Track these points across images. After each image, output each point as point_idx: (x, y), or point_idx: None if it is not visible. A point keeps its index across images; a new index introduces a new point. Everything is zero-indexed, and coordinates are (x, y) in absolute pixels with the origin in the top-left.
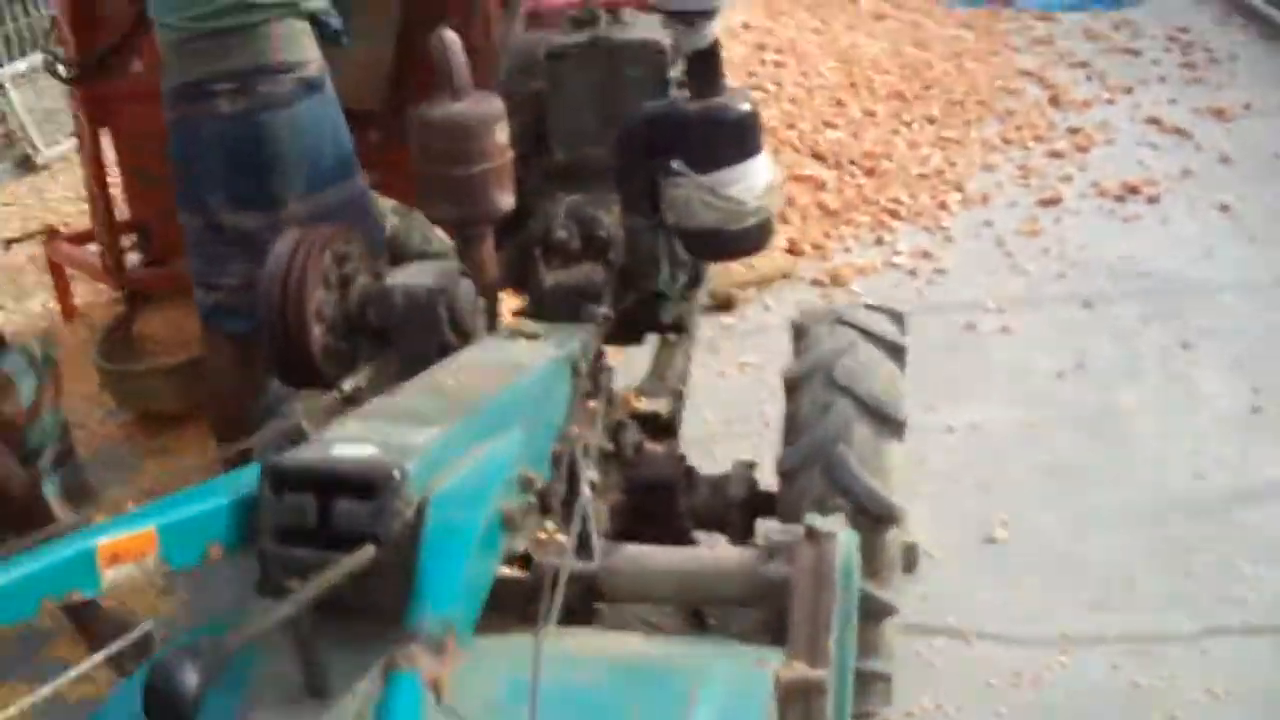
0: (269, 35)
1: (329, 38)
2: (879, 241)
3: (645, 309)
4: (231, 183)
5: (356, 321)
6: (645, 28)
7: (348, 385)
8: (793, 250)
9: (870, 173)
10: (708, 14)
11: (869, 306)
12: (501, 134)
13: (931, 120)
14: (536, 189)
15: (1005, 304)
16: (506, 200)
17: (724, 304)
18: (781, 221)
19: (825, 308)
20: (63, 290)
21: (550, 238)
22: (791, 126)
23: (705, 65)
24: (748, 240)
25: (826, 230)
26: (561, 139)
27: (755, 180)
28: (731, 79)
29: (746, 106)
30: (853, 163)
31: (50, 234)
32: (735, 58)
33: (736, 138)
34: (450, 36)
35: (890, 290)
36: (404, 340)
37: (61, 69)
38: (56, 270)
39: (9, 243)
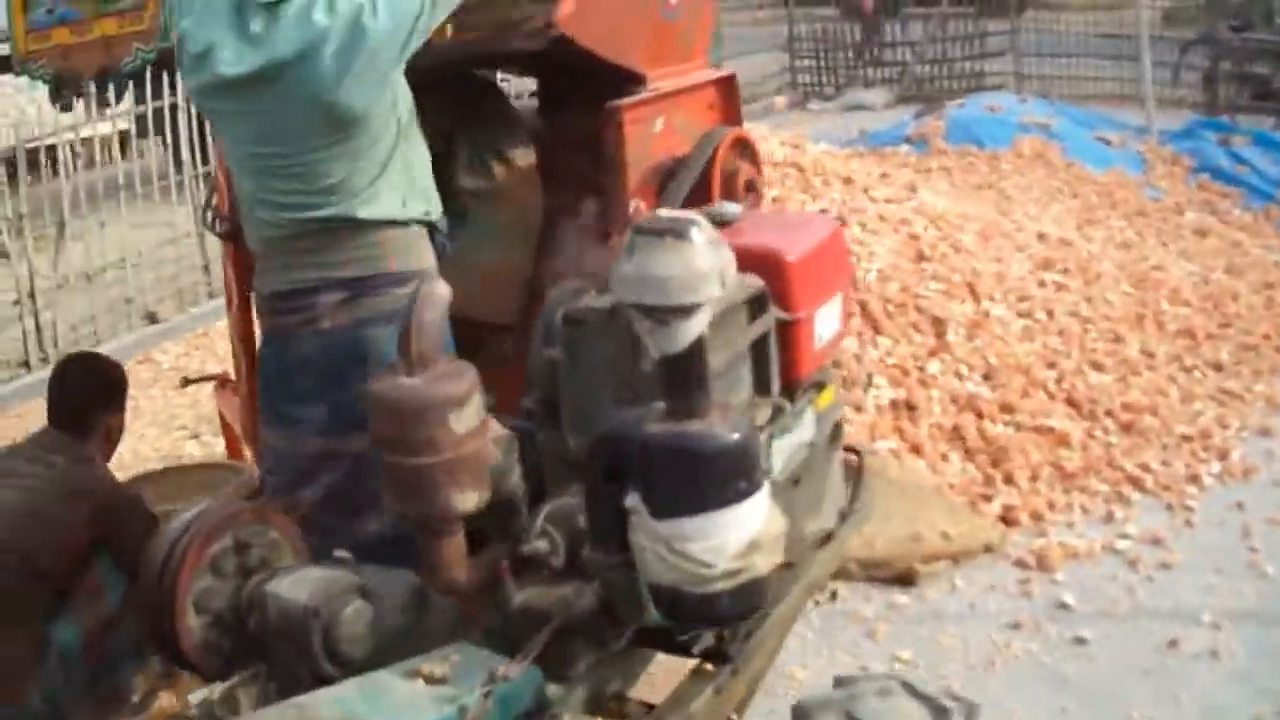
0: (382, 240)
1: (440, 246)
2: (1108, 518)
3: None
4: (328, 401)
5: (241, 621)
6: None
7: (217, 691)
8: (1007, 519)
9: (1127, 428)
10: (687, 311)
11: (914, 692)
12: (462, 421)
13: (1217, 367)
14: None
15: (1224, 618)
16: (467, 500)
17: (903, 577)
18: (1006, 482)
19: (834, 697)
20: (229, 438)
21: (523, 548)
22: (1051, 366)
23: (681, 375)
24: (714, 608)
25: (1053, 498)
26: (571, 422)
27: (728, 537)
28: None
29: (733, 436)
30: (1109, 414)
31: (222, 380)
32: (1011, 275)
33: (708, 479)
34: (433, 291)
35: (1098, 585)
36: (276, 657)
37: (214, 224)
38: (222, 417)
39: (186, 381)
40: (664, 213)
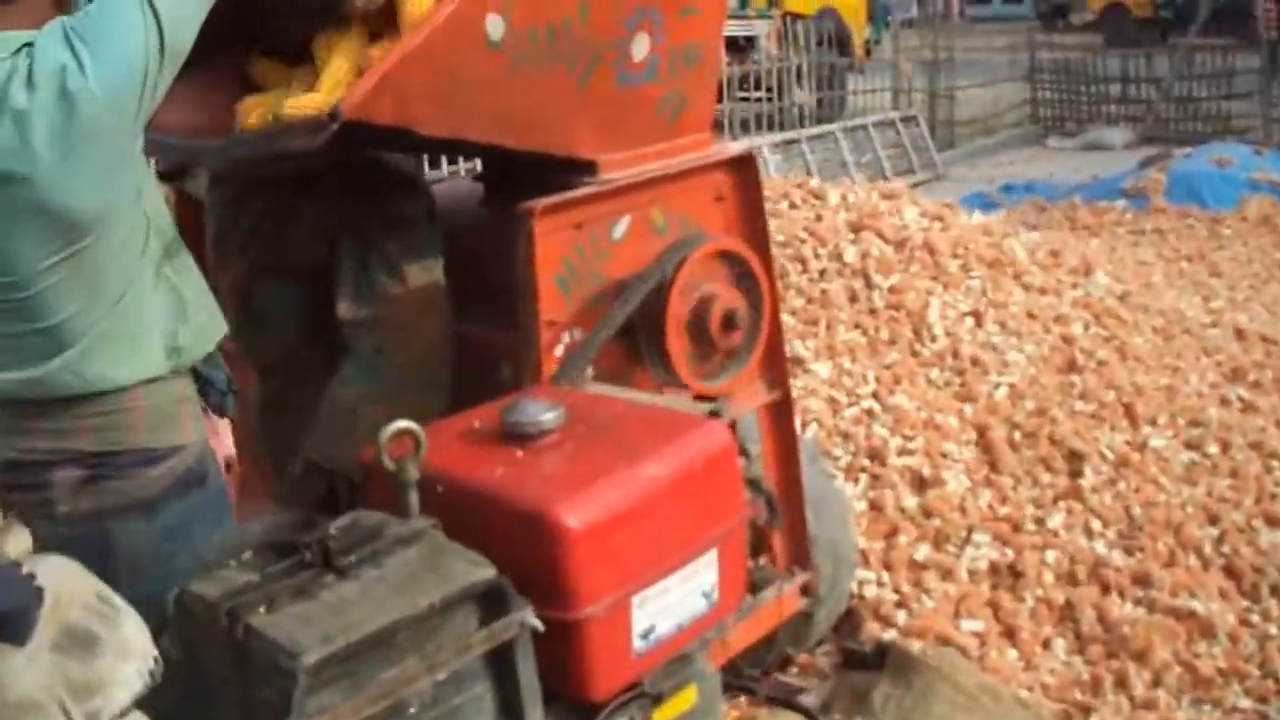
0: (129, 403)
1: (215, 405)
2: None
3: None
4: None
5: None
6: None
7: None
8: None
9: None
10: None
11: None
12: None
13: None
14: None
15: None
16: None
17: None
18: (1117, 685)
19: None
20: None
21: None
22: (1213, 520)
23: None
24: None
25: (1173, 717)
26: None
27: None
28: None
29: None
30: (1276, 592)
31: None
32: (1186, 390)
33: None
34: None
35: None
36: None
37: None
38: None
39: None
40: None
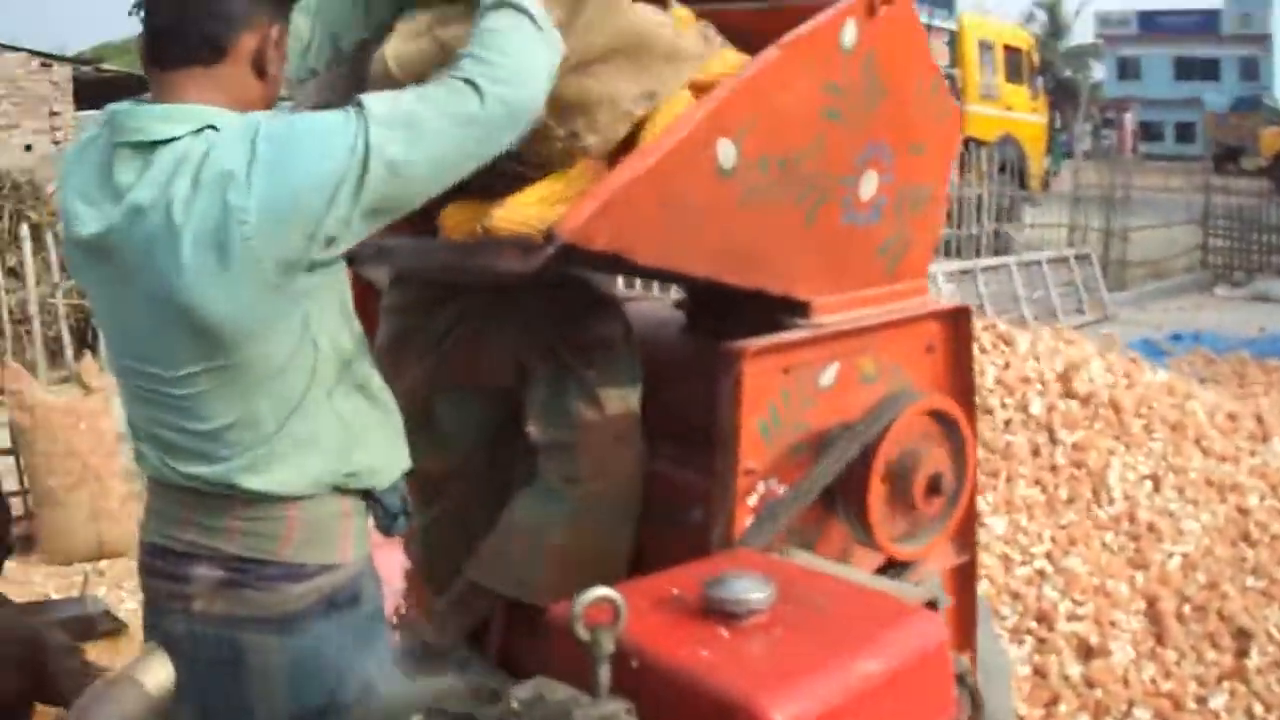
0: (283, 516)
1: (383, 526)
2: None
3: None
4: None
5: None
6: None
7: None
8: None
9: None
10: None
11: None
12: None
13: None
14: None
15: None
16: None
17: None
18: None
19: None
20: None
21: None
22: None
23: None
24: None
25: None
26: None
27: None
28: None
29: None
30: None
31: None
32: None
33: None
34: None
35: None
36: None
37: None
38: None
39: None
40: None
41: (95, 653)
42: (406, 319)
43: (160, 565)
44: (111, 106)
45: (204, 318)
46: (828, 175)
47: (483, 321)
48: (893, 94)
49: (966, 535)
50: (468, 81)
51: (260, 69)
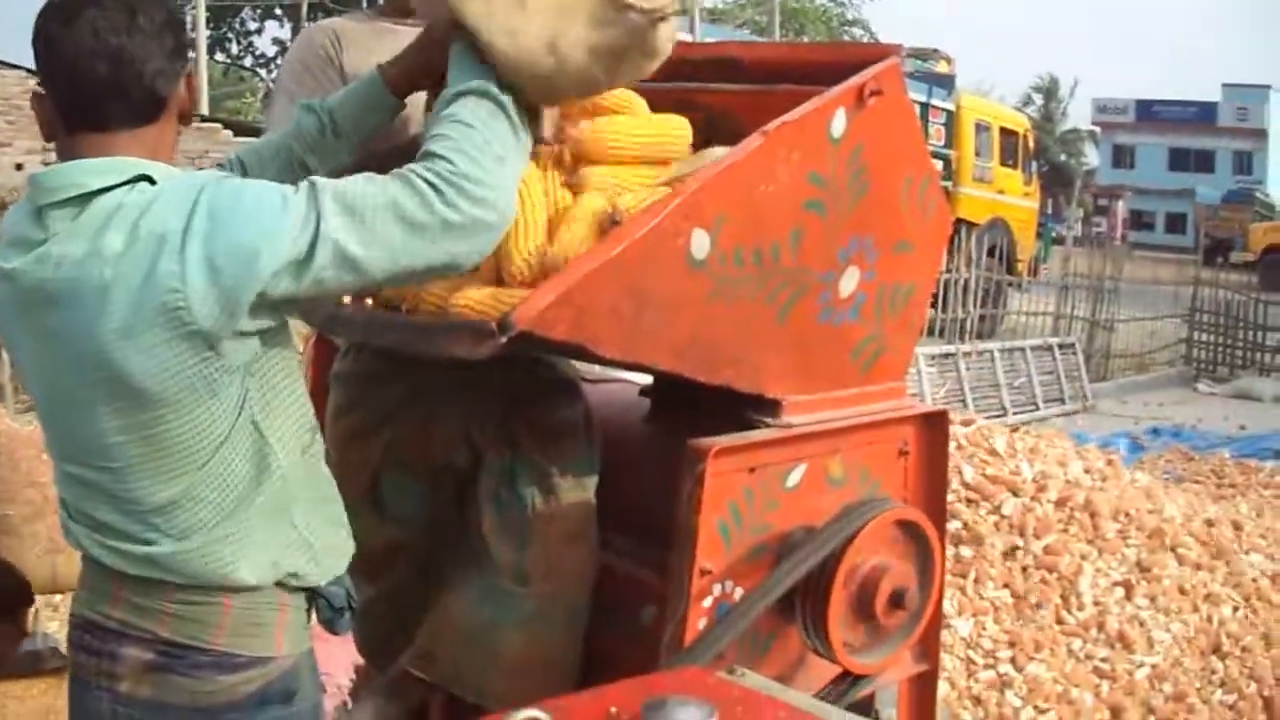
0: (218, 604)
1: (326, 621)
2: None
3: None
4: None
5: None
6: None
7: None
8: None
9: None
10: None
11: None
12: None
13: None
14: None
15: None
16: None
17: None
18: None
19: None
20: None
21: None
22: None
23: None
24: None
25: None
26: None
27: None
28: None
29: None
30: None
31: None
32: None
33: None
34: None
35: None
36: None
37: None
38: None
39: None
40: None
41: (41, 690)
42: (357, 390)
43: (89, 641)
44: (33, 174)
45: (123, 376)
46: (806, 270)
47: (436, 398)
48: (880, 188)
49: (928, 644)
50: (431, 184)
51: (185, 116)
